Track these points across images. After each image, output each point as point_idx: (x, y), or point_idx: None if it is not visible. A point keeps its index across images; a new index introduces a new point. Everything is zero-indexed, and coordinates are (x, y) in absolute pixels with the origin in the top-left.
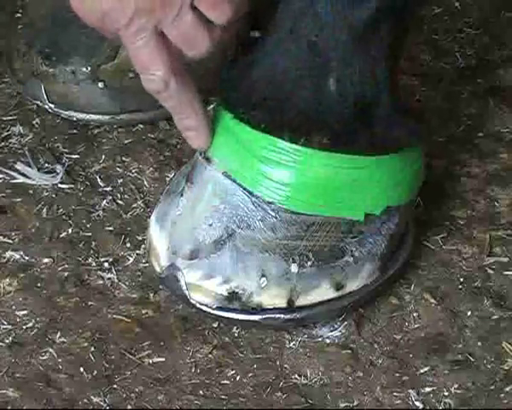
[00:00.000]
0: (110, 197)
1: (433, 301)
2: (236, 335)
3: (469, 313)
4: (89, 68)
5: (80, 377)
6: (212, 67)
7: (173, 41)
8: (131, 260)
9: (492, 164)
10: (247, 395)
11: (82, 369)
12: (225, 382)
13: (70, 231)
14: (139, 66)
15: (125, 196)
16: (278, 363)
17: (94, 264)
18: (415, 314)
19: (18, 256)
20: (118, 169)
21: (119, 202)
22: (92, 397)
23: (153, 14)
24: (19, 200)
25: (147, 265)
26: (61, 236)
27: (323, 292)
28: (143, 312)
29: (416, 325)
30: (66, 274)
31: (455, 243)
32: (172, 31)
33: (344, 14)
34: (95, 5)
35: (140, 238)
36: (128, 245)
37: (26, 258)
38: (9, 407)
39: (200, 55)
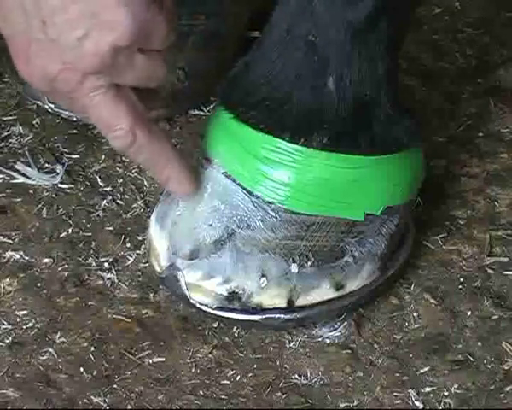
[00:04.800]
0: (110, 197)
1: (433, 301)
2: (236, 335)
3: (469, 313)
4: None
5: (80, 377)
6: (212, 68)
7: (130, 84)
8: (131, 260)
9: (492, 164)
10: (247, 395)
11: (82, 369)
12: (225, 382)
13: (70, 231)
14: (102, 125)
15: (125, 196)
16: (278, 363)
17: (94, 264)
18: (415, 314)
19: (18, 256)
20: (118, 169)
21: (119, 202)
22: (92, 397)
23: (103, 73)
24: (19, 200)
25: (147, 265)
26: (61, 236)
27: (323, 292)
28: (143, 312)
29: (416, 325)
30: (66, 274)
31: (455, 243)
32: (127, 79)
33: (341, 14)
34: (43, 70)
35: (140, 238)
36: (128, 245)
37: (26, 258)
38: (9, 407)
39: (162, 79)
